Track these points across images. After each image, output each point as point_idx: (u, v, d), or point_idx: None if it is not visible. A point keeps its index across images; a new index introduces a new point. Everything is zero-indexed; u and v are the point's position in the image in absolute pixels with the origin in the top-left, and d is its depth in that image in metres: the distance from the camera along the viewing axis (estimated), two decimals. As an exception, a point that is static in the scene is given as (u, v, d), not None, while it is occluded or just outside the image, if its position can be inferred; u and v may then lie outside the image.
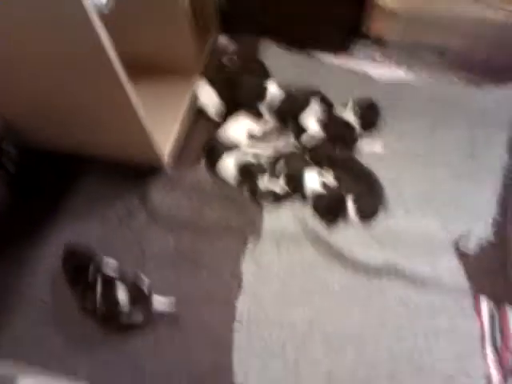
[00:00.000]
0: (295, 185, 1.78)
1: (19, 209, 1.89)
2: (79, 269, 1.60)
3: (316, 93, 2.01)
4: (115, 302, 1.50)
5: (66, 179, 1.94)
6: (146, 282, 1.59)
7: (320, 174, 1.80)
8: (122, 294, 1.51)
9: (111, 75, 1.42)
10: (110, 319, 1.54)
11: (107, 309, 1.51)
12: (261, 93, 1.97)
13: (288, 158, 1.84)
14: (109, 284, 1.53)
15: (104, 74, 1.41)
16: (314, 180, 1.76)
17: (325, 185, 1.76)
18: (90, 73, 1.43)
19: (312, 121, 1.96)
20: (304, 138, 1.93)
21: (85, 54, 1.34)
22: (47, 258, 1.76)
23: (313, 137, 1.92)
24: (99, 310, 1.51)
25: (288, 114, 2.00)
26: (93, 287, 1.53)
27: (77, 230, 1.81)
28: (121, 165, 1.92)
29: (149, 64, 2.00)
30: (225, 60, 2.11)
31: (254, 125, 2.00)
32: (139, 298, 1.54)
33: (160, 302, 1.58)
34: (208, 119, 2.10)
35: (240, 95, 1.99)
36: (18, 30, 1.33)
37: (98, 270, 1.57)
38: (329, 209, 1.72)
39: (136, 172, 1.90)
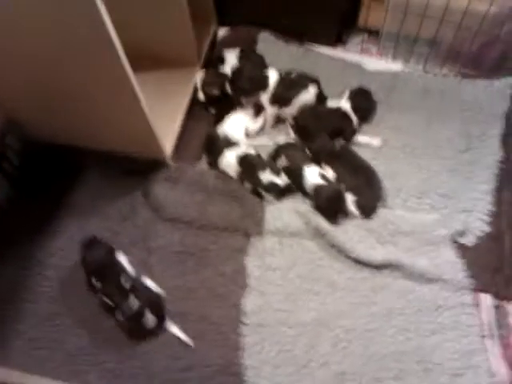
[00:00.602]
0: (296, 180, 1.71)
1: (23, 204, 1.77)
2: (100, 266, 1.49)
3: (314, 80, 1.91)
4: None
5: (69, 173, 1.82)
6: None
7: (320, 168, 1.73)
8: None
9: (114, 63, 1.31)
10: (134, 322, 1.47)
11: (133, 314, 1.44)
12: (263, 82, 1.85)
13: (288, 153, 1.76)
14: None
15: (107, 62, 1.31)
16: (315, 174, 1.68)
17: (324, 177, 1.68)
18: (93, 60, 1.32)
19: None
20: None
21: (88, 40, 1.24)
22: (54, 255, 1.66)
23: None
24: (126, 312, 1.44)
25: (286, 99, 1.88)
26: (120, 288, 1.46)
27: (81, 226, 1.71)
28: (123, 159, 1.81)
29: (149, 57, 1.88)
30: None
31: (251, 122, 1.90)
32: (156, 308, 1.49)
33: (174, 330, 1.50)
34: (209, 112, 1.99)
35: (241, 85, 1.84)
36: (20, 19, 1.25)
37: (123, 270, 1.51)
38: (329, 201, 1.64)
39: (138, 167, 1.80)
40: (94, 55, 1.30)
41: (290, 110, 1.89)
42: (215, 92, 1.94)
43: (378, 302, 1.54)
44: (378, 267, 1.58)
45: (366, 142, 1.86)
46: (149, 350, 1.48)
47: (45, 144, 1.83)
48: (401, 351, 1.46)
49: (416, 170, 1.80)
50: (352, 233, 1.64)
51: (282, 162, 1.74)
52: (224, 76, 1.93)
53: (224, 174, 1.77)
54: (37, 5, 1.19)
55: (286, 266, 1.61)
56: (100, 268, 1.48)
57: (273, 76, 1.86)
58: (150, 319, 1.45)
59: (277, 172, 1.70)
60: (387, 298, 1.55)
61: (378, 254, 1.58)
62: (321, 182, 1.66)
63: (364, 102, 1.91)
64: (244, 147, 1.81)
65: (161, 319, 1.48)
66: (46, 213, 1.73)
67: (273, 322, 1.51)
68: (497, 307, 1.52)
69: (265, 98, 1.87)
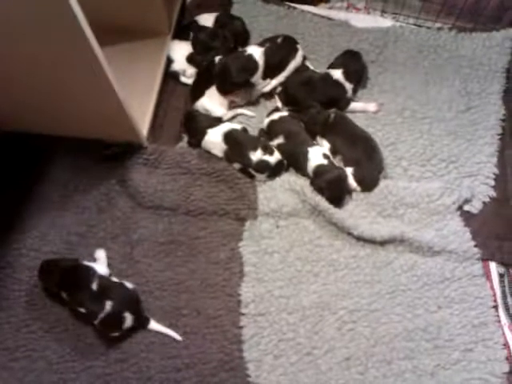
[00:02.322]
0: (296, 161, 1.73)
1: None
2: (66, 280, 1.52)
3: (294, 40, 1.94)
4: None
5: (35, 164, 1.81)
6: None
7: (320, 146, 1.76)
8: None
9: (78, 38, 1.27)
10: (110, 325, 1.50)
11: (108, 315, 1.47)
12: (253, 69, 1.83)
13: (285, 129, 1.76)
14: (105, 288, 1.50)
15: (70, 37, 1.28)
16: (318, 155, 1.69)
17: (328, 158, 1.70)
18: (54, 37, 1.29)
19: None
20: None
21: (47, 14, 1.21)
22: (25, 256, 1.65)
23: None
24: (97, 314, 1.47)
25: (278, 69, 1.90)
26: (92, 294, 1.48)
27: (54, 221, 1.71)
28: (95, 145, 1.79)
29: (115, 29, 1.84)
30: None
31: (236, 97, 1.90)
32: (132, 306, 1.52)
33: (158, 327, 1.55)
34: (184, 85, 1.98)
35: (233, 82, 1.82)
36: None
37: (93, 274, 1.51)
38: (332, 183, 1.66)
39: (112, 152, 1.79)
40: (55, 30, 1.26)
41: (281, 79, 1.91)
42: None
43: (381, 280, 1.59)
44: (382, 243, 1.63)
45: (361, 108, 1.88)
46: (140, 350, 1.50)
47: (7, 132, 1.80)
48: (409, 330, 1.52)
49: (416, 134, 1.83)
50: (352, 208, 1.67)
51: (279, 140, 1.74)
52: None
53: (208, 153, 1.78)
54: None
55: (284, 248, 1.64)
56: (66, 281, 1.51)
57: (256, 53, 1.83)
58: (128, 319, 1.47)
59: (270, 151, 1.70)
60: (391, 274, 1.60)
61: (382, 229, 1.62)
62: (324, 162, 1.67)
63: (354, 65, 1.91)
64: (228, 122, 1.82)
65: (139, 317, 1.51)
66: (13, 209, 1.71)
67: (272, 310, 1.55)
68: (507, 278, 1.59)
69: (255, 76, 1.85)
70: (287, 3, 2.18)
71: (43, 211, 1.72)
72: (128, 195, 1.75)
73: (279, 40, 1.89)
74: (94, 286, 1.47)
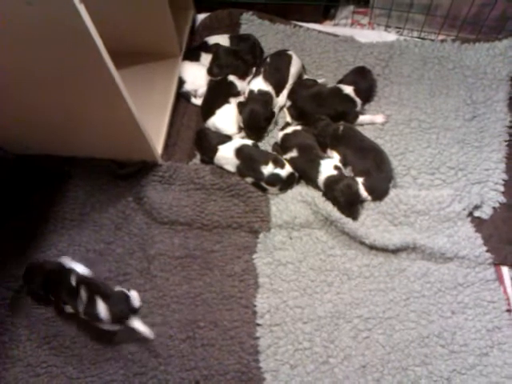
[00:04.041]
0: (309, 174, 1.74)
1: (6, 222, 1.79)
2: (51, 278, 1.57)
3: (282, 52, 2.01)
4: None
5: (52, 184, 1.84)
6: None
7: (331, 158, 1.77)
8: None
9: (97, 64, 1.32)
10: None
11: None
12: (269, 98, 1.93)
13: (299, 143, 1.77)
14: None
15: (90, 61, 1.32)
16: (329, 166, 1.70)
17: (337, 168, 1.71)
18: (74, 64, 1.33)
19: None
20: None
21: (68, 43, 1.25)
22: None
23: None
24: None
25: (283, 80, 1.96)
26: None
27: (72, 239, 1.74)
28: (110, 164, 1.84)
29: (128, 52, 1.89)
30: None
31: None
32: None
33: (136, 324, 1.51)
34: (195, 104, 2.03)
35: (264, 116, 1.91)
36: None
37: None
38: (344, 194, 1.65)
39: (127, 170, 1.83)
40: (75, 58, 1.30)
41: (289, 87, 1.95)
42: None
43: (395, 288, 1.59)
44: (394, 251, 1.63)
45: (369, 120, 1.89)
46: (159, 363, 1.52)
47: (24, 154, 1.85)
48: (424, 336, 1.51)
49: (424, 144, 1.83)
50: (364, 217, 1.68)
51: (293, 153, 1.76)
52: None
53: (220, 169, 1.80)
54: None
55: (298, 259, 1.65)
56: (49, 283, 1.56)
57: (260, 83, 1.91)
58: (100, 305, 1.46)
59: (281, 165, 1.71)
60: (405, 281, 1.60)
61: (394, 238, 1.62)
62: (334, 173, 1.68)
63: (365, 83, 1.93)
64: (239, 138, 1.85)
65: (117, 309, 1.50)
66: (32, 229, 1.75)
67: (287, 320, 1.56)
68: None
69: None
70: (293, 22, 2.22)
71: (61, 230, 1.76)
72: (144, 212, 1.77)
73: (268, 60, 1.95)
74: (73, 282, 1.51)
